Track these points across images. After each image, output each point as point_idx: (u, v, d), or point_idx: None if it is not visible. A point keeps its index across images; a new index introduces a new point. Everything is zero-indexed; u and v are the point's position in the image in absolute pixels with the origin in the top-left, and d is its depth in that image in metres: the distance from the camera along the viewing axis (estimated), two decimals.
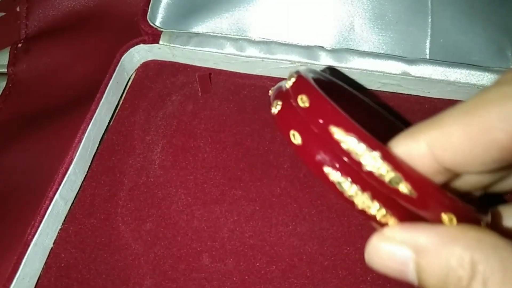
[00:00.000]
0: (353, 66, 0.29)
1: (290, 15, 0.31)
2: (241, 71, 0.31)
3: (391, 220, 0.14)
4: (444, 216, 0.14)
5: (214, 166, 0.28)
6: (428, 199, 0.14)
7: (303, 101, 0.15)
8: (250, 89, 0.31)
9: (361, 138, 0.14)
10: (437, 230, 0.14)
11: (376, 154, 0.13)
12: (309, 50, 0.30)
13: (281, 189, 0.26)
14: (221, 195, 0.27)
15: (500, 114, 0.13)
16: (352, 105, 0.26)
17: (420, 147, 0.14)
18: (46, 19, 0.40)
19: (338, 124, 0.14)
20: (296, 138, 0.15)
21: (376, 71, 0.29)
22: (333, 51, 0.29)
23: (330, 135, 0.14)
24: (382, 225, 0.15)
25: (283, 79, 0.31)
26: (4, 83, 0.38)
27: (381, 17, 0.30)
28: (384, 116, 0.24)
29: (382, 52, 0.30)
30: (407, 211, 0.14)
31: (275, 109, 0.17)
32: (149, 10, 0.32)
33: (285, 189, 0.26)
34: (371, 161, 0.13)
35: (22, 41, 0.39)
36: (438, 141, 0.14)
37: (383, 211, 0.14)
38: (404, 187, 0.14)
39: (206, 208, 0.26)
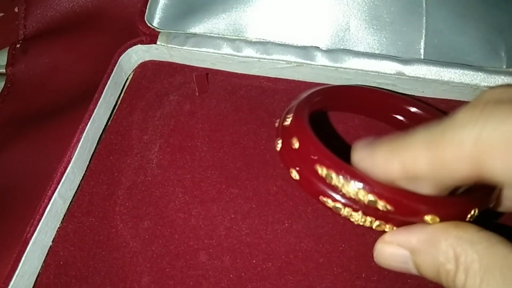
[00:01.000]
0: (348, 66, 0.29)
1: (287, 16, 0.31)
2: (238, 71, 0.32)
3: (387, 227, 0.17)
4: (427, 218, 0.16)
5: (211, 165, 0.28)
6: (405, 210, 0.16)
7: (293, 143, 0.18)
8: (246, 89, 0.31)
9: (339, 172, 0.16)
10: (425, 231, 0.16)
11: (353, 183, 0.16)
12: (305, 50, 0.30)
13: (277, 187, 0.27)
14: (218, 194, 0.27)
15: (454, 156, 0.15)
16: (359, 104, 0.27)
17: (394, 165, 0.17)
18: (44, 20, 0.40)
19: (320, 163, 0.17)
20: (294, 174, 0.18)
21: (371, 71, 0.29)
22: (328, 51, 0.30)
23: (317, 172, 0.17)
24: (381, 231, 0.17)
25: (280, 79, 0.31)
26: (2, 83, 0.38)
27: (376, 17, 0.31)
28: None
29: (377, 52, 0.30)
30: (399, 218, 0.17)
31: (277, 147, 0.20)
32: (146, 10, 0.32)
33: (281, 188, 0.27)
34: (350, 189, 0.16)
35: (20, 41, 0.39)
36: (407, 163, 0.16)
37: (377, 222, 0.17)
38: (381, 205, 0.16)
39: (203, 206, 0.27)
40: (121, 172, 0.28)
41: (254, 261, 0.25)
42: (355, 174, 0.16)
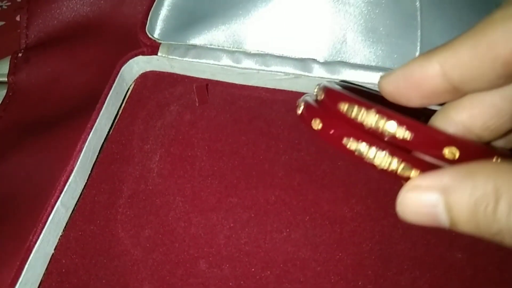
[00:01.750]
0: (345, 78, 0.30)
1: (285, 28, 0.32)
2: (237, 82, 0.32)
3: (412, 172, 0.16)
4: (446, 150, 0.15)
5: (210, 175, 0.28)
6: (425, 137, 0.16)
7: (320, 95, 0.19)
8: (245, 100, 0.32)
9: (360, 104, 0.17)
10: (458, 169, 0.15)
11: (373, 112, 0.16)
12: (303, 62, 0.31)
13: (276, 196, 0.27)
14: (217, 203, 0.27)
15: (503, 32, 0.14)
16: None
17: (434, 68, 0.16)
18: (46, 29, 0.41)
19: (342, 100, 0.17)
20: (317, 124, 0.18)
21: (368, 83, 0.30)
22: (325, 64, 0.31)
23: (339, 111, 0.17)
24: (405, 179, 0.16)
25: (278, 90, 0.32)
26: (4, 92, 0.38)
27: (372, 30, 0.32)
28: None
29: (373, 64, 0.31)
30: (425, 162, 0.16)
31: (299, 110, 0.20)
32: (147, 22, 0.33)
33: (279, 197, 0.27)
34: (370, 119, 0.16)
35: (22, 50, 0.40)
36: (448, 61, 0.15)
37: (402, 165, 0.16)
38: (400, 132, 0.16)
39: (203, 215, 0.27)
40: (122, 181, 0.29)
41: (253, 270, 0.25)
42: (374, 105, 0.16)
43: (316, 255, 0.25)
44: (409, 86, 0.17)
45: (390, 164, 0.16)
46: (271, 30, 0.32)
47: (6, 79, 0.39)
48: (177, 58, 0.32)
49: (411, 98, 0.17)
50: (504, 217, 0.14)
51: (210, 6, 0.33)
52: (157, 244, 0.26)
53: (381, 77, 0.18)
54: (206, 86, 0.31)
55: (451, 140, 0.16)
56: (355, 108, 0.16)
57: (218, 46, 0.32)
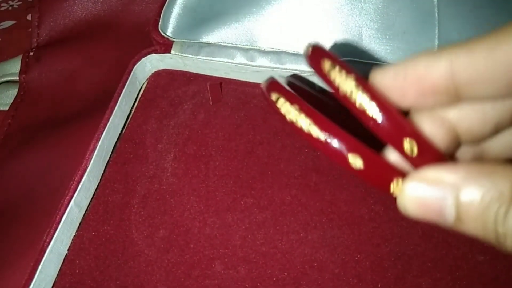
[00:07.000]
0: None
1: (299, 26, 0.31)
2: (251, 80, 0.32)
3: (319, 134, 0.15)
4: (406, 143, 0.15)
5: (225, 174, 0.28)
6: (389, 120, 0.15)
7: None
8: (260, 98, 0.31)
9: (342, 67, 0.15)
10: (474, 165, 0.14)
11: (351, 78, 0.15)
12: None
13: (292, 197, 0.27)
14: (232, 203, 0.27)
15: None
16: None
17: (441, 65, 0.15)
18: (57, 28, 0.40)
19: (326, 57, 0.16)
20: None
21: None
22: None
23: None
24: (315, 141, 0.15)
25: None
26: (16, 91, 0.38)
27: (388, 27, 0.31)
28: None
29: (389, 62, 0.31)
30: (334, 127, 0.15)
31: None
32: (160, 20, 0.32)
33: (295, 197, 0.27)
34: (346, 84, 0.15)
35: (33, 49, 0.40)
36: (461, 59, 0.14)
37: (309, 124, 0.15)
38: (369, 109, 0.15)
39: (218, 215, 0.27)
40: (135, 181, 0.28)
41: (269, 271, 0.25)
42: (355, 72, 0.15)
43: (334, 257, 0.25)
44: (409, 82, 0.15)
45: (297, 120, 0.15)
46: (286, 27, 0.31)
47: (17, 78, 0.38)
48: (191, 56, 0.31)
49: (407, 94, 0.16)
50: None
51: (223, 3, 0.33)
52: (171, 244, 0.26)
53: (379, 70, 0.16)
54: (220, 85, 0.31)
55: (414, 134, 0.15)
56: (336, 69, 0.15)
57: (232, 44, 0.32)
